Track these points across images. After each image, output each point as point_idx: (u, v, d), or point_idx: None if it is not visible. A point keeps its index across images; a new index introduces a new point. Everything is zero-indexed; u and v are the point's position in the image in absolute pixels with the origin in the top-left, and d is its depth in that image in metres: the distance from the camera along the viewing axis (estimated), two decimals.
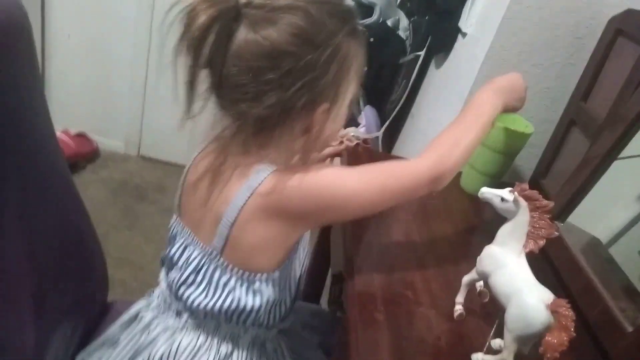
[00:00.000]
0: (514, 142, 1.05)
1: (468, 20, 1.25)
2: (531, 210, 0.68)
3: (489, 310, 0.78)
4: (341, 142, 1.00)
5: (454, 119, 0.80)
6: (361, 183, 0.70)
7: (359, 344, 0.67)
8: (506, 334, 0.65)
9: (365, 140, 1.01)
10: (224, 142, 0.71)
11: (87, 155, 2.35)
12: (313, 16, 0.63)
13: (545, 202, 0.68)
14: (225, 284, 0.73)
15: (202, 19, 0.60)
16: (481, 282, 0.80)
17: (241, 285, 0.73)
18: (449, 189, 1.11)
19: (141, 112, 2.43)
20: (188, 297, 0.75)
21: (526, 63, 1.12)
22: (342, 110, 0.73)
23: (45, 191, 0.80)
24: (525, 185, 0.69)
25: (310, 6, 0.63)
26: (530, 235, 0.68)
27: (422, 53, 1.47)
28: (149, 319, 0.82)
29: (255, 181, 0.68)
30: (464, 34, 1.28)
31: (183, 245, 0.77)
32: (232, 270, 0.72)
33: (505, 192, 0.70)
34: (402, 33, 1.64)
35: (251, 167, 0.69)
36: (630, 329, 0.72)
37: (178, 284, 0.76)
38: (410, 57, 1.53)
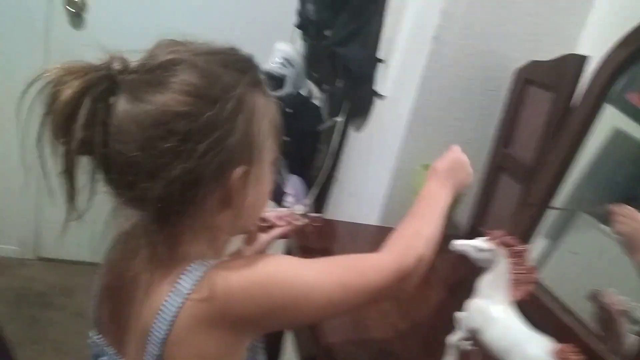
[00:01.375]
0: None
1: (385, 83, 1.30)
2: (509, 256, 0.68)
3: None
4: (288, 223, 0.89)
5: (408, 213, 0.73)
6: (319, 278, 0.59)
7: None
8: None
9: (315, 219, 0.94)
10: (135, 237, 0.60)
11: None
12: (203, 69, 0.55)
13: (522, 247, 0.68)
14: None
15: (66, 94, 0.51)
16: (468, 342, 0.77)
17: None
18: None
19: (34, 209, 2.20)
20: None
21: (448, 118, 1.17)
22: (263, 172, 0.62)
23: None
24: (500, 232, 0.69)
25: (196, 58, 0.55)
26: (515, 283, 0.67)
27: (340, 119, 1.49)
28: None
29: (185, 286, 0.55)
30: (382, 96, 1.32)
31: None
32: None
33: (481, 242, 0.70)
34: (315, 101, 1.67)
35: (177, 267, 0.57)
36: None
37: None
38: (329, 123, 1.55)
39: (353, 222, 1.25)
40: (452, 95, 1.16)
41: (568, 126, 0.95)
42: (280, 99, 1.61)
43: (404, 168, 1.18)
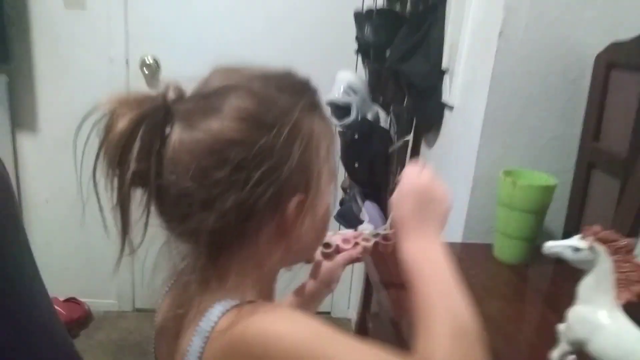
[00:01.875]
0: (541, 198, 0.98)
1: (452, 93, 1.24)
2: (611, 254, 0.59)
3: None
4: (356, 244, 0.80)
5: (415, 298, 0.54)
6: (342, 353, 0.47)
7: None
8: None
9: (385, 237, 0.84)
10: (185, 274, 0.57)
11: (79, 320, 2.18)
12: (258, 94, 0.53)
13: (624, 241, 0.58)
14: None
15: (121, 125, 0.49)
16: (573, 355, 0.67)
17: None
18: (483, 264, 1.03)
19: (131, 264, 2.31)
20: None
21: (527, 117, 1.09)
22: (321, 199, 0.57)
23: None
24: (597, 228, 0.60)
25: (252, 83, 0.53)
26: (620, 283, 0.58)
27: (410, 137, 1.44)
28: None
29: (208, 322, 0.52)
30: (451, 107, 1.26)
31: None
32: None
33: (577, 241, 0.61)
34: (383, 124, 1.63)
35: (211, 304, 0.53)
36: None
37: None
38: (399, 144, 1.50)
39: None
40: (528, 93, 1.07)
41: None
42: (347, 126, 1.60)
43: (481, 177, 1.10)
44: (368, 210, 1.59)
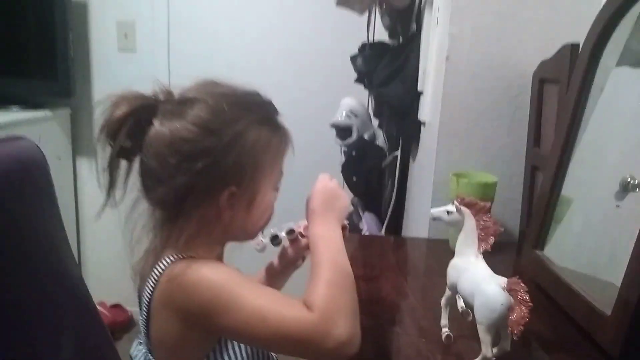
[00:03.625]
0: (481, 194, 1.14)
1: (423, 110, 1.43)
2: (474, 215, 0.76)
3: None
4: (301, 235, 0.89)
5: (313, 264, 0.70)
6: (246, 297, 0.63)
7: None
8: (479, 329, 0.69)
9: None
10: (152, 234, 0.73)
11: (122, 324, 2.44)
12: (212, 106, 0.69)
13: (482, 204, 0.76)
14: None
15: (118, 113, 0.68)
16: (462, 303, 0.84)
17: None
18: (440, 254, 1.19)
19: None
20: None
21: (477, 129, 1.26)
22: (257, 195, 0.73)
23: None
24: (464, 196, 0.78)
25: (210, 98, 0.70)
26: (481, 238, 0.75)
27: (397, 153, 1.63)
28: None
29: (159, 269, 0.68)
30: (424, 124, 1.45)
31: (138, 342, 0.80)
32: None
33: (450, 207, 0.79)
34: (380, 143, 1.83)
35: (162, 256, 0.70)
36: (608, 312, 0.74)
37: None
38: (389, 158, 1.69)
39: (406, 237, 1.35)
40: (477, 108, 1.25)
41: (562, 114, 1.00)
42: (348, 146, 1.82)
43: (439, 181, 1.27)
44: (366, 220, 1.77)
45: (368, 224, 1.74)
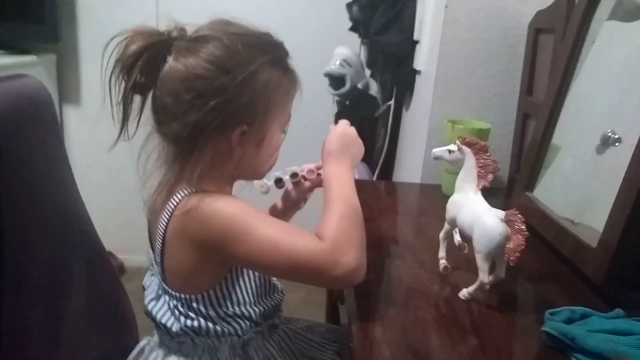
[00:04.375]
0: None
1: (419, 59, 1.45)
2: (475, 154, 0.81)
3: (474, 264, 0.86)
4: (318, 175, 0.92)
5: (325, 201, 0.74)
6: (259, 227, 0.67)
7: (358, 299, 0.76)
8: (477, 258, 0.75)
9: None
10: (164, 168, 0.75)
11: None
12: (227, 45, 0.70)
13: (482, 143, 0.80)
14: (175, 307, 0.76)
15: (133, 48, 0.69)
16: (459, 238, 0.89)
17: (182, 306, 0.75)
18: (434, 197, 1.25)
19: None
20: (159, 321, 0.79)
21: (473, 77, 1.30)
22: (266, 135, 0.75)
23: (74, 250, 0.86)
24: (466, 136, 0.82)
25: (225, 36, 0.70)
26: (480, 175, 0.80)
27: (392, 102, 1.65)
28: (148, 351, 0.86)
29: (173, 203, 0.71)
30: (419, 72, 1.47)
31: (150, 273, 0.83)
32: (174, 294, 0.75)
33: (451, 146, 0.83)
34: (374, 93, 1.86)
35: (175, 190, 0.72)
36: (594, 245, 0.81)
37: (151, 310, 0.80)
38: (383, 108, 1.72)
39: (398, 182, 1.40)
40: (473, 57, 1.28)
41: (555, 63, 1.03)
42: (341, 95, 1.83)
43: (434, 127, 1.31)
44: (358, 169, 1.81)
45: (359, 172, 1.78)
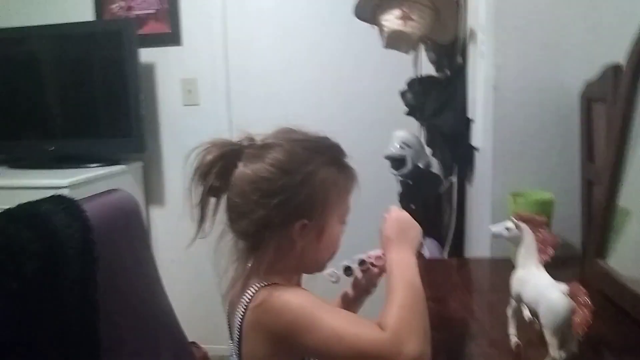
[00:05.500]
0: (542, 211, 1.18)
1: (475, 136, 1.50)
2: (533, 229, 0.83)
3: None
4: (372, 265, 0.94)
5: (390, 289, 0.76)
6: (324, 319, 0.71)
7: None
8: (546, 333, 0.75)
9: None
10: (237, 263, 0.82)
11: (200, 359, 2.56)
12: (288, 150, 0.79)
13: (539, 218, 0.82)
14: None
15: (209, 157, 0.80)
16: (528, 313, 0.89)
17: None
18: (504, 271, 1.23)
19: None
20: None
21: (530, 150, 1.32)
22: (326, 227, 0.81)
23: None
24: (522, 213, 0.85)
25: (286, 142, 0.80)
26: (540, 250, 0.81)
27: (454, 179, 1.69)
28: None
29: (247, 297, 0.77)
30: (477, 149, 1.51)
31: None
32: None
33: (509, 223, 0.86)
34: (436, 170, 1.90)
35: (248, 284, 0.79)
36: None
37: None
38: (446, 184, 1.76)
39: (468, 258, 1.40)
40: (528, 130, 1.31)
41: (610, 128, 1.05)
42: (403, 175, 1.90)
43: (497, 201, 1.33)
44: (428, 246, 1.83)
45: (430, 250, 1.79)
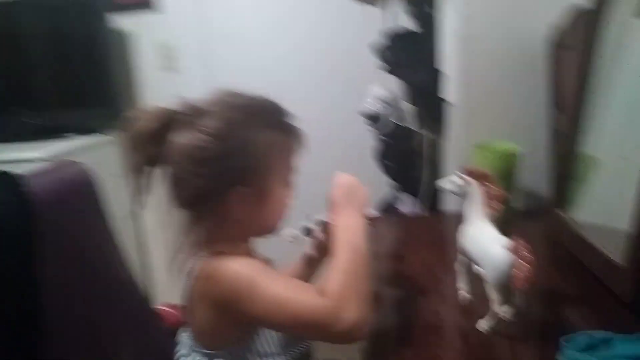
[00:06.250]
0: (508, 163, 1.16)
1: (449, 92, 1.46)
2: (479, 183, 0.80)
3: None
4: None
5: (335, 252, 0.75)
6: (266, 287, 0.70)
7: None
8: (488, 289, 0.74)
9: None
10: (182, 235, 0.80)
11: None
12: (221, 116, 0.76)
13: (484, 172, 0.80)
14: None
15: (144, 125, 0.77)
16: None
17: None
18: None
19: None
20: None
21: (495, 100, 1.29)
22: (267, 192, 0.79)
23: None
24: (470, 167, 0.82)
25: (220, 108, 0.77)
26: (486, 203, 0.79)
27: (427, 133, 1.66)
28: None
29: (193, 267, 0.77)
30: (449, 103, 1.48)
31: (182, 329, 0.88)
32: (201, 351, 0.80)
33: (456, 178, 0.84)
34: (410, 126, 1.87)
35: (194, 255, 0.78)
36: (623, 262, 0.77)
37: None
38: (421, 139, 1.73)
39: (433, 214, 1.39)
40: (496, 82, 1.28)
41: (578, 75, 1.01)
42: (377, 131, 1.86)
43: (466, 155, 1.30)
44: (405, 201, 1.81)
45: (406, 205, 1.79)
